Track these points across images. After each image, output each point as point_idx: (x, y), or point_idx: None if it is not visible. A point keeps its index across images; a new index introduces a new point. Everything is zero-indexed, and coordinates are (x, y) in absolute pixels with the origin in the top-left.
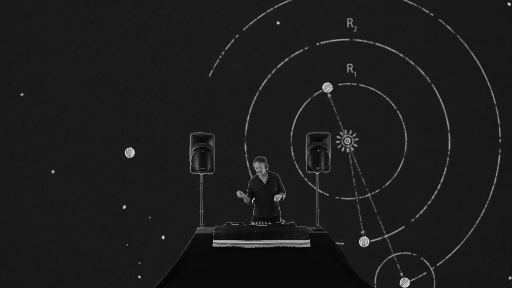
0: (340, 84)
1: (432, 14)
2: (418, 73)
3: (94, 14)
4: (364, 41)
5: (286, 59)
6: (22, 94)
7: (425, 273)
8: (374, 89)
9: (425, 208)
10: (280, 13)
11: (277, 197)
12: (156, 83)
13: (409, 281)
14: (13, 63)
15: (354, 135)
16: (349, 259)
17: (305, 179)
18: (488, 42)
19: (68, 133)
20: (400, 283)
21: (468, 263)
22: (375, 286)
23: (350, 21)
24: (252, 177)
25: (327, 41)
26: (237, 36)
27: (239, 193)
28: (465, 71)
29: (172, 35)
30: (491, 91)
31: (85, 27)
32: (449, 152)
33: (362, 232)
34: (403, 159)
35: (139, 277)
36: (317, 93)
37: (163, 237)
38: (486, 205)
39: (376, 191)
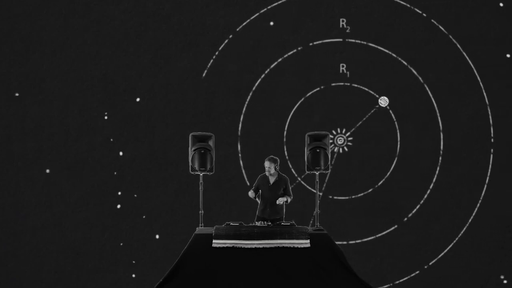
0: (334, 84)
1: (424, 15)
2: (411, 74)
3: (94, 14)
4: (357, 41)
5: (280, 59)
6: (17, 94)
7: (417, 272)
8: (367, 89)
9: (417, 207)
10: (276, 13)
11: (280, 200)
12: (156, 83)
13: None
14: (13, 63)
15: (348, 134)
16: (349, 259)
17: (299, 179)
18: (481, 42)
19: (68, 133)
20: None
21: (466, 262)
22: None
23: (343, 21)
24: (261, 174)
25: (320, 41)
26: (230, 36)
27: (250, 193)
28: (458, 72)
29: (172, 35)
30: (483, 91)
31: (85, 27)
32: (441, 152)
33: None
34: (396, 158)
35: (133, 276)
36: (310, 93)
37: (157, 236)
38: (478, 205)
39: (369, 190)
